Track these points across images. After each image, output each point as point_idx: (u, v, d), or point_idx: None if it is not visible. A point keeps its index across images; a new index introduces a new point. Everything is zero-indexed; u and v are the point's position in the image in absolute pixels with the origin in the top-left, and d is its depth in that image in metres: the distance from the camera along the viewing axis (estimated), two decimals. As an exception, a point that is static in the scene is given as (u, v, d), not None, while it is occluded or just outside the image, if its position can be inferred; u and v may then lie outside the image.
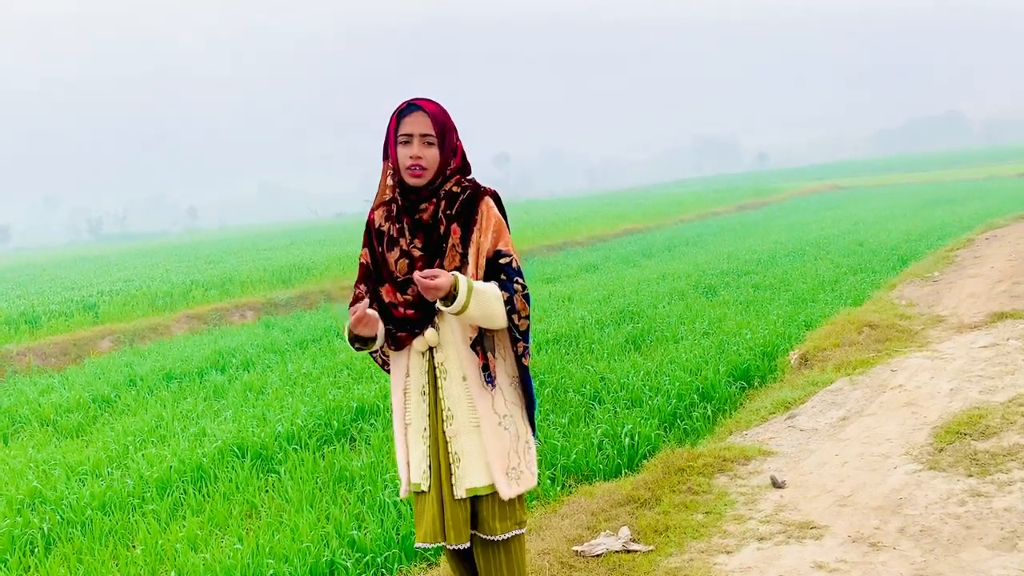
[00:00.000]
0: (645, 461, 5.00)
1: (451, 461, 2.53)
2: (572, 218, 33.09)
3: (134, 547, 4.72)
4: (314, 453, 5.98)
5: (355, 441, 6.35)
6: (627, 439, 5.43)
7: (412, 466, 2.61)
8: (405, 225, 2.58)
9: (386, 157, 2.59)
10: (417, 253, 2.55)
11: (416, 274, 2.39)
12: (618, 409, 6.15)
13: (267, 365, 9.67)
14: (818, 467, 4.35)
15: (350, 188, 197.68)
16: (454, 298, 2.40)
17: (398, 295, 2.58)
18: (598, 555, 3.59)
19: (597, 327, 9.53)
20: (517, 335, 2.57)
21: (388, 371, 2.75)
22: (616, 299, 11.54)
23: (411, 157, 2.48)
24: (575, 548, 3.68)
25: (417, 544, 2.62)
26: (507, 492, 2.54)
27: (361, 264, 2.70)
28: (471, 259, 2.53)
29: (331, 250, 25.48)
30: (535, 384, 6.94)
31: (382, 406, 6.95)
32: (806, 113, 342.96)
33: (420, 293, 2.49)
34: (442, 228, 2.54)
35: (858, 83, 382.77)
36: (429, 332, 2.54)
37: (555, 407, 6.40)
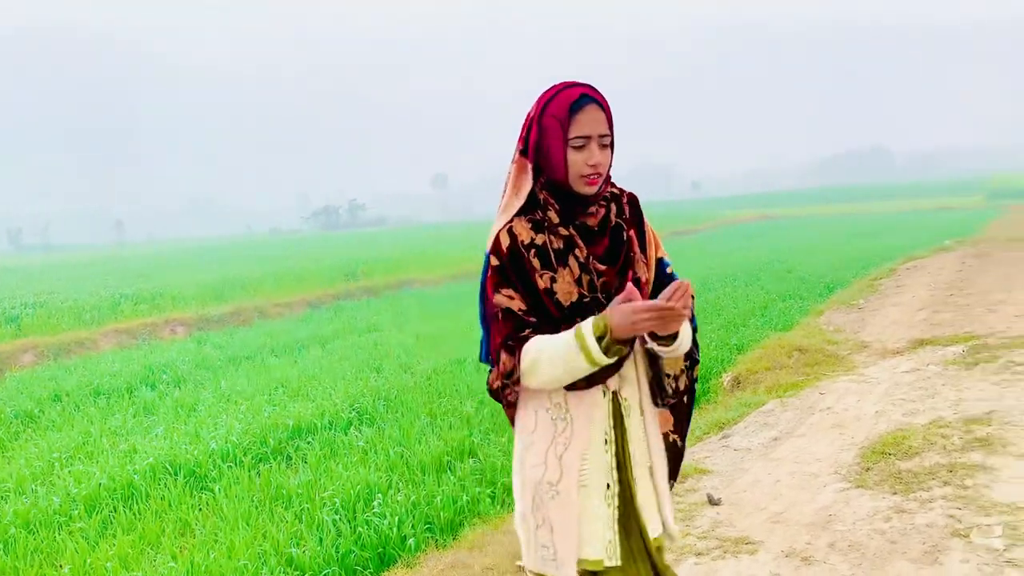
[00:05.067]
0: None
1: (639, 517, 2.03)
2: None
3: (61, 566, 4.58)
4: (249, 471, 5.88)
5: (291, 459, 6.27)
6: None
7: (585, 539, 1.97)
8: (573, 234, 1.98)
9: (525, 153, 1.99)
10: (602, 267, 2.00)
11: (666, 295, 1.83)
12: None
13: (199, 381, 9.48)
14: (752, 485, 4.48)
15: (286, 204, 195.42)
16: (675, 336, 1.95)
17: None
18: (539, 571, 3.63)
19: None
20: (694, 354, 2.16)
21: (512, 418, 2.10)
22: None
23: (590, 165, 1.93)
24: (518, 563, 3.71)
25: None
26: (678, 534, 2.15)
27: (506, 311, 1.94)
28: (650, 269, 2.12)
29: (266, 266, 25.12)
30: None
31: (319, 424, 6.87)
32: (744, 141, 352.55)
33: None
34: (624, 235, 2.06)
35: (795, 112, 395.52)
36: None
37: (494, 428, 6.43)
